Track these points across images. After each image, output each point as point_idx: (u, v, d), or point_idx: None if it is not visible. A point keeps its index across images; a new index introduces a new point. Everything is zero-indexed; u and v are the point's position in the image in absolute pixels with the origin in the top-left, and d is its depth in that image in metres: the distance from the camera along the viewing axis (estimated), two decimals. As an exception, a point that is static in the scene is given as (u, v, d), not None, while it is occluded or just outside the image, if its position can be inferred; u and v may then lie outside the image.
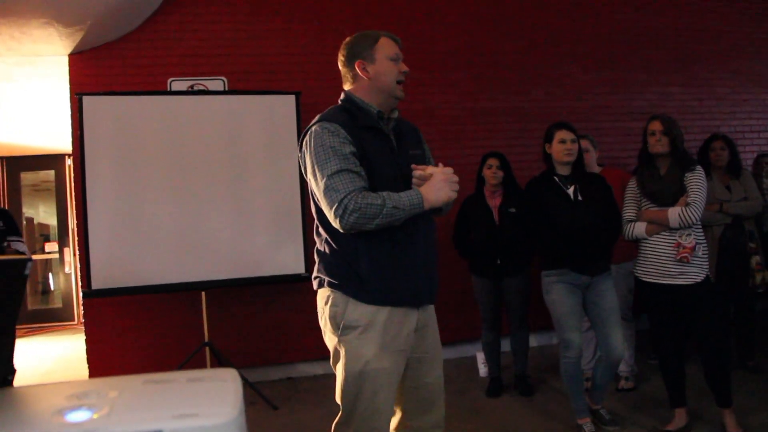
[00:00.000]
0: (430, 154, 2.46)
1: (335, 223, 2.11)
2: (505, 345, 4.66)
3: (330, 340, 2.27)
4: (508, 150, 4.87)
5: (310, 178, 2.21)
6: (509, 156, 4.56)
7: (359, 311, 2.18)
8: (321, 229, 2.27)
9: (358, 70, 2.28)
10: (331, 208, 2.08)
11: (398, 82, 2.28)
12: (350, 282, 2.19)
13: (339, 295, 2.21)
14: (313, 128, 2.20)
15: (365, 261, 2.17)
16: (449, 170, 2.18)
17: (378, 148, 2.22)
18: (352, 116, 2.23)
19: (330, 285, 2.24)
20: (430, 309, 2.39)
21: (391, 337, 2.18)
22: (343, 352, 2.20)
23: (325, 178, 2.10)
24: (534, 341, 5.56)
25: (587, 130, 4.99)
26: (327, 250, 2.26)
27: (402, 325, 2.21)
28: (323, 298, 2.27)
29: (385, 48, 2.27)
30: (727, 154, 4.39)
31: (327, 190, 2.09)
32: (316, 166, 2.14)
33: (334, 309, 2.21)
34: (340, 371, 2.22)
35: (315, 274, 2.33)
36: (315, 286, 2.33)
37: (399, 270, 2.20)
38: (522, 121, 5.88)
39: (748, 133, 6.65)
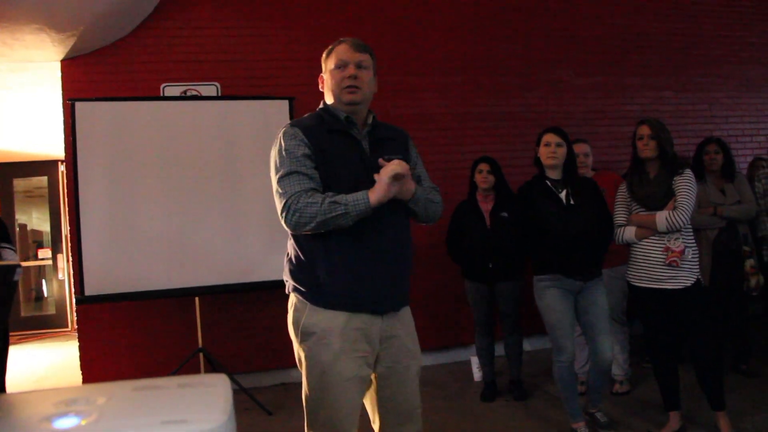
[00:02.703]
0: (418, 159, 2.43)
1: (283, 224, 2.13)
2: (500, 349, 4.66)
3: (294, 345, 2.26)
4: (502, 155, 4.89)
5: (272, 182, 2.23)
6: (502, 161, 4.57)
7: (317, 317, 2.17)
8: (290, 233, 2.27)
9: (320, 83, 2.35)
10: (279, 210, 2.12)
11: (347, 87, 2.22)
12: (309, 287, 2.19)
13: (300, 300, 2.22)
14: (279, 133, 2.24)
15: (323, 265, 2.16)
16: (394, 167, 2.08)
17: (343, 152, 2.21)
18: (321, 120, 2.26)
19: (294, 290, 2.26)
20: (403, 318, 2.31)
21: (351, 344, 2.14)
22: (303, 358, 2.20)
23: (276, 181, 2.14)
24: (528, 345, 5.56)
25: (581, 135, 5.01)
26: (292, 255, 2.28)
27: (362, 332, 2.17)
28: (290, 302, 2.29)
29: (334, 57, 2.25)
30: (722, 158, 4.39)
31: (276, 193, 2.14)
32: (273, 170, 2.18)
33: (296, 314, 2.23)
34: (303, 377, 2.22)
35: (284, 277, 2.33)
36: (286, 290, 2.34)
37: (357, 276, 2.15)
38: (516, 125, 5.89)
39: (741, 137, 6.67)
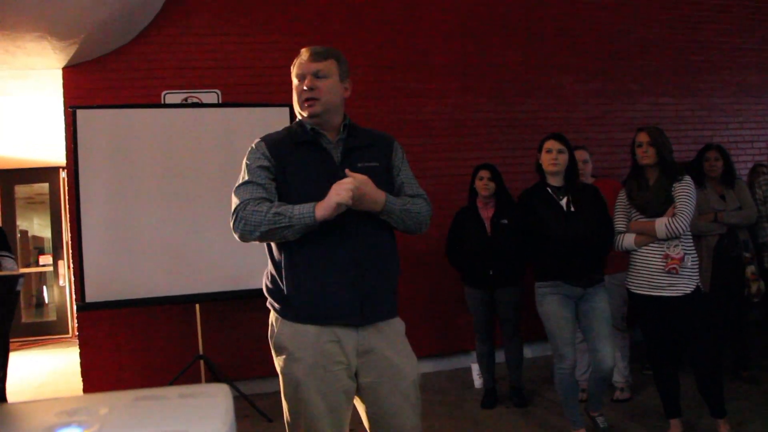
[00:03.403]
0: (403, 165, 2.32)
1: (233, 234, 2.09)
2: (500, 356, 4.66)
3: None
4: (502, 161, 4.90)
5: None
6: (503, 167, 4.58)
7: (287, 331, 2.12)
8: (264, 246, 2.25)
9: None
10: (230, 218, 2.10)
11: (305, 101, 2.18)
12: (279, 300, 2.16)
13: (273, 314, 2.20)
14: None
15: (288, 277, 2.11)
16: (350, 180, 2.00)
17: (308, 163, 2.16)
18: (290, 133, 2.24)
19: (269, 304, 2.22)
20: (385, 332, 2.18)
21: (325, 357, 2.08)
22: (279, 373, 2.16)
23: (233, 191, 2.14)
24: (528, 352, 5.57)
25: (581, 141, 5.02)
26: (267, 269, 2.24)
27: (337, 344, 2.10)
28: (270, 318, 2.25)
29: (294, 69, 2.24)
30: (722, 165, 4.40)
31: (232, 203, 2.12)
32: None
33: (270, 329, 2.19)
34: (281, 391, 2.18)
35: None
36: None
37: (323, 288, 2.08)
38: (516, 132, 5.90)
39: (741, 143, 6.68)
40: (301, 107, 2.21)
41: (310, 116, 2.18)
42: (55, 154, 7.76)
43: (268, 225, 2.00)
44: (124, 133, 4.56)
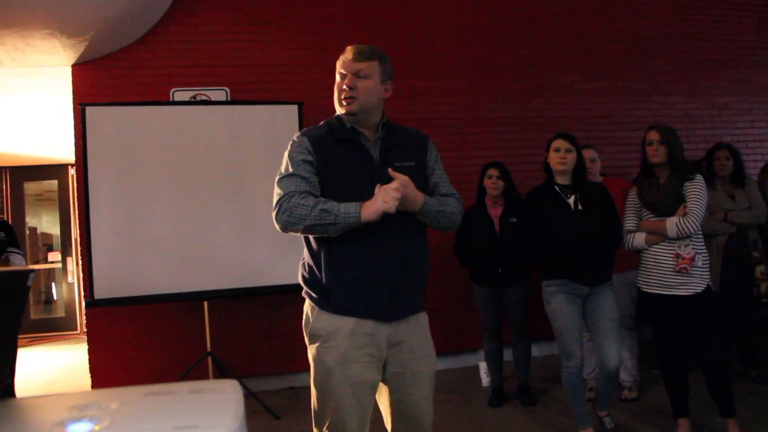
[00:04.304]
0: (437, 165, 2.41)
1: (275, 223, 2.16)
2: (508, 355, 4.64)
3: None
4: (510, 160, 4.88)
5: None
6: (511, 166, 4.56)
7: (324, 321, 2.21)
8: (302, 238, 2.31)
9: None
10: (272, 208, 2.16)
11: (343, 99, 2.24)
12: (317, 291, 2.23)
13: (310, 304, 2.27)
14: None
15: (327, 271, 2.19)
16: (395, 184, 2.07)
17: (349, 160, 2.23)
18: (330, 129, 2.29)
19: (306, 294, 2.30)
20: (412, 324, 2.30)
21: (358, 347, 2.17)
22: (311, 361, 2.24)
23: (275, 182, 2.19)
24: (536, 351, 5.55)
25: (589, 140, 5.00)
26: (304, 260, 2.32)
27: (371, 336, 2.19)
28: (304, 306, 2.33)
29: (337, 66, 2.28)
30: (732, 164, 4.38)
31: (275, 192, 2.18)
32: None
33: (306, 318, 2.28)
34: (311, 379, 2.26)
35: (299, 281, 2.37)
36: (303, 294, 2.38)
37: (359, 283, 2.17)
38: (524, 130, 5.89)
39: (750, 142, 6.65)
40: (340, 104, 2.27)
41: (347, 114, 2.25)
42: (64, 151, 7.79)
43: (313, 220, 2.07)
44: (133, 131, 4.58)
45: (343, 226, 2.08)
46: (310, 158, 2.19)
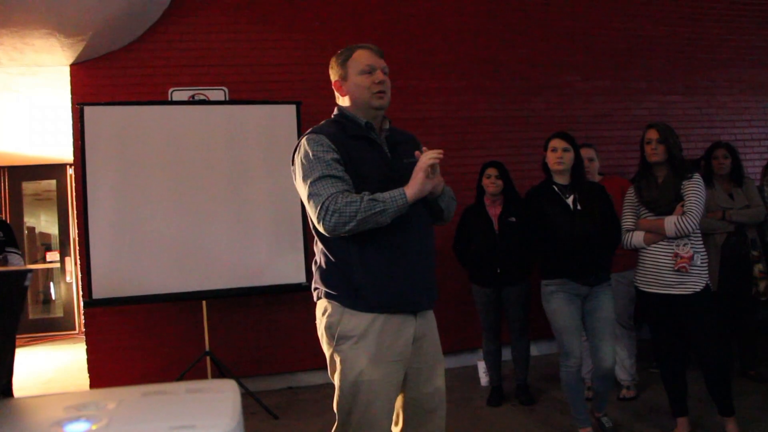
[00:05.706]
0: None
1: (320, 227, 2.15)
2: (506, 354, 4.65)
3: (326, 350, 2.29)
4: (509, 159, 4.88)
5: (299, 188, 2.26)
6: (510, 165, 4.56)
7: (354, 321, 2.19)
8: (317, 240, 2.32)
9: (336, 90, 2.39)
10: (314, 213, 2.14)
11: (377, 92, 2.27)
12: (345, 291, 2.22)
13: (335, 305, 2.24)
14: (302, 140, 2.27)
15: (359, 269, 2.19)
16: (427, 156, 2.16)
17: (368, 156, 2.25)
18: (341, 127, 2.29)
19: (327, 296, 2.27)
20: (430, 318, 2.38)
21: (386, 348, 2.19)
22: (338, 363, 2.22)
23: (308, 186, 2.16)
24: (535, 350, 5.56)
25: (588, 139, 5.01)
26: (323, 261, 2.30)
27: (398, 335, 2.21)
28: (321, 308, 2.30)
29: (357, 62, 2.29)
30: (730, 163, 4.38)
31: (310, 196, 2.15)
32: (302, 176, 2.21)
33: (330, 319, 2.24)
34: (336, 381, 2.25)
35: (313, 285, 2.35)
36: (314, 298, 2.35)
37: (392, 276, 2.20)
38: (523, 130, 5.89)
39: (749, 141, 6.65)
40: (371, 99, 2.28)
41: (379, 107, 2.28)
42: (63, 151, 7.80)
43: (364, 212, 2.07)
44: (132, 130, 4.57)
45: (393, 212, 2.10)
46: (337, 156, 2.19)
